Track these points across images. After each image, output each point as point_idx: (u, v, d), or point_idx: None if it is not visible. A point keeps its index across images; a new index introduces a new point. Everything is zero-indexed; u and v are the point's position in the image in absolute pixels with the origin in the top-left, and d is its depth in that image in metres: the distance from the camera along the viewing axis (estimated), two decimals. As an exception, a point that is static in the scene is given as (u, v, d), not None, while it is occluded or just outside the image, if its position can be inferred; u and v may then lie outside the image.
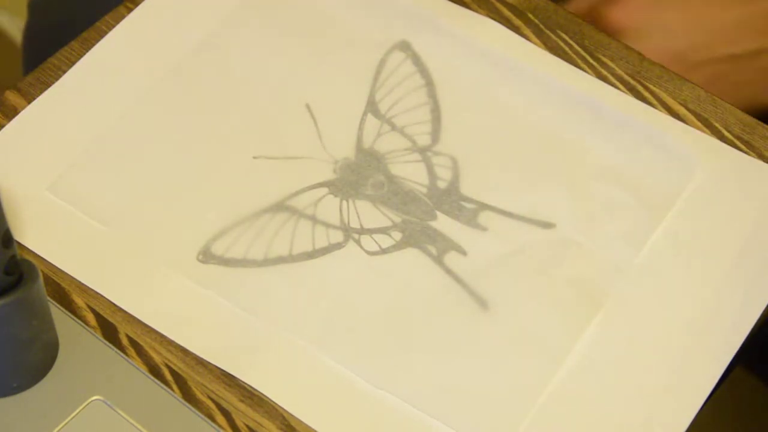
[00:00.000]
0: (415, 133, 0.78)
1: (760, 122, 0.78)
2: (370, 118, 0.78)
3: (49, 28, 0.87)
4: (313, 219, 0.74)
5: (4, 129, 0.77)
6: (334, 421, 0.68)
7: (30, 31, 1.01)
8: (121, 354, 0.68)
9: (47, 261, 0.72)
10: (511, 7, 0.82)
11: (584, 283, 0.72)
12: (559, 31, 0.81)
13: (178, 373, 0.69)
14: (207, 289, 0.71)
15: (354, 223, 0.74)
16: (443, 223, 0.74)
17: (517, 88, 0.79)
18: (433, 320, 0.71)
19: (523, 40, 0.81)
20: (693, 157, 0.76)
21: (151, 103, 0.78)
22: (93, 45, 0.80)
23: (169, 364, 0.69)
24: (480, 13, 0.82)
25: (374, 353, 0.70)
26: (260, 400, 0.68)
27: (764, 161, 0.76)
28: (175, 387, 0.68)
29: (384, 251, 0.73)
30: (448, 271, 0.73)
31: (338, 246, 0.73)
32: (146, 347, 0.70)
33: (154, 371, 0.69)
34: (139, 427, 0.66)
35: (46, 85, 0.78)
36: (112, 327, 0.70)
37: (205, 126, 0.78)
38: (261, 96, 0.79)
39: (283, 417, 0.68)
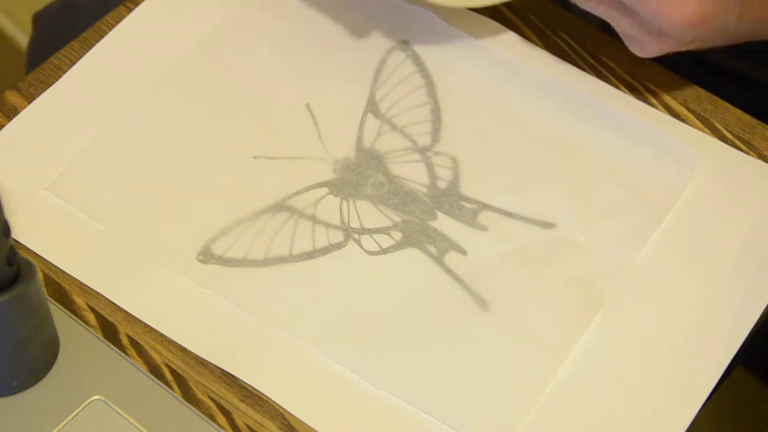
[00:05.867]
0: (415, 133, 0.78)
1: (760, 122, 0.78)
2: (370, 118, 0.78)
3: (53, 42, 0.87)
4: (313, 219, 0.74)
5: (4, 129, 0.77)
6: (334, 421, 0.68)
7: (35, 46, 1.01)
8: (122, 354, 0.68)
9: (47, 261, 0.72)
10: (511, 7, 0.82)
11: (584, 283, 0.72)
12: (559, 31, 0.81)
13: (179, 372, 0.69)
14: (207, 289, 0.71)
15: (354, 223, 0.74)
16: (443, 223, 0.74)
17: (517, 89, 0.79)
18: (433, 320, 0.71)
19: (523, 40, 0.81)
20: (693, 157, 0.76)
21: (150, 103, 0.78)
22: (93, 45, 0.80)
23: (170, 363, 0.69)
24: (480, 13, 0.82)
25: (374, 353, 0.70)
26: (260, 400, 0.68)
27: (764, 161, 0.76)
28: (175, 387, 0.68)
29: (384, 251, 0.73)
30: (448, 271, 0.73)
31: (338, 246, 0.73)
32: (146, 347, 0.70)
33: (155, 371, 0.69)
34: (140, 427, 0.66)
35: (46, 85, 0.78)
36: (112, 327, 0.70)
37: (205, 126, 0.78)
38: (261, 96, 0.79)
39: (283, 417, 0.68)
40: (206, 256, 0.73)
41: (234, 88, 0.79)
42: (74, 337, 0.68)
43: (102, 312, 0.71)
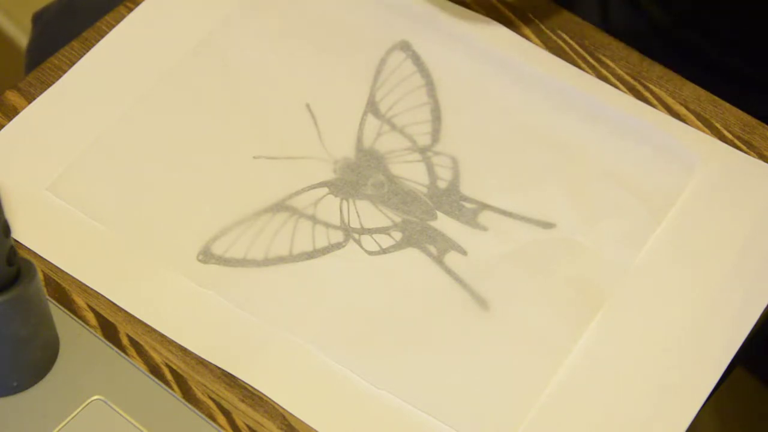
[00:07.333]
0: (415, 132, 0.78)
1: (760, 122, 0.78)
2: (370, 118, 0.78)
3: (53, 42, 0.87)
4: (313, 219, 0.74)
5: (4, 129, 0.77)
6: (334, 421, 0.68)
7: (35, 46, 1.01)
8: (122, 354, 0.68)
9: (47, 261, 0.72)
10: (511, 7, 0.82)
11: (584, 283, 0.72)
12: (559, 31, 0.81)
13: (179, 372, 0.69)
14: (207, 289, 0.71)
15: (354, 223, 0.74)
16: (443, 223, 0.74)
17: (517, 88, 0.79)
18: (433, 320, 0.71)
19: (523, 40, 0.81)
20: (693, 157, 0.76)
21: (150, 103, 0.78)
22: (93, 45, 0.80)
23: (170, 363, 0.69)
24: (480, 13, 0.82)
25: (374, 353, 0.70)
26: (260, 400, 0.68)
27: (764, 161, 0.76)
28: (175, 387, 0.68)
29: (384, 251, 0.73)
30: (448, 271, 0.73)
31: (338, 246, 0.73)
32: (146, 347, 0.70)
33: (155, 371, 0.69)
34: (140, 426, 0.66)
35: (46, 85, 0.78)
36: (112, 327, 0.70)
37: (205, 126, 0.78)
38: (261, 96, 0.79)
39: (283, 417, 0.68)
40: (206, 256, 0.73)
41: (234, 88, 0.79)
42: (74, 337, 0.68)
43: (102, 312, 0.71)
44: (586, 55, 0.80)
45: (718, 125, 0.78)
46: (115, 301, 0.71)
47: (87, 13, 0.88)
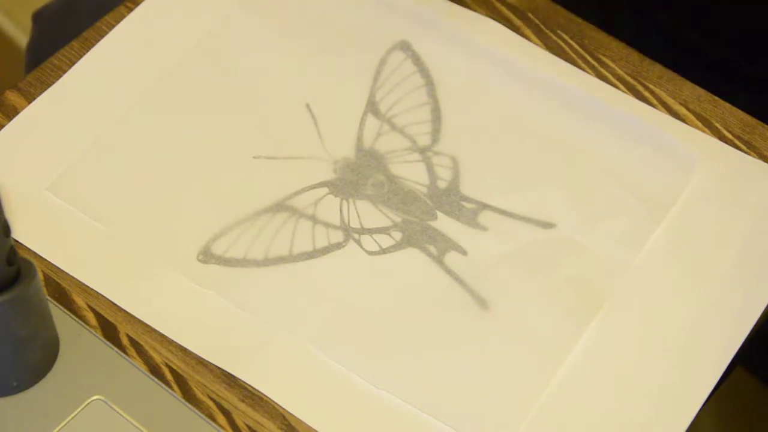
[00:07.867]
0: (415, 132, 0.78)
1: (760, 122, 0.78)
2: (370, 118, 0.78)
3: (53, 42, 0.87)
4: (313, 219, 0.74)
5: (4, 129, 0.77)
6: (334, 421, 0.68)
7: (35, 45, 1.01)
8: (122, 354, 0.68)
9: (47, 260, 0.72)
10: (511, 7, 0.82)
11: (584, 283, 0.72)
12: (559, 31, 0.81)
13: (179, 372, 0.69)
14: (207, 289, 0.71)
15: (354, 223, 0.74)
16: (443, 223, 0.74)
17: (517, 88, 0.79)
18: (433, 320, 0.71)
19: (523, 40, 0.81)
20: (693, 157, 0.76)
21: (150, 103, 0.78)
22: (93, 45, 0.80)
23: (170, 363, 0.69)
24: (480, 13, 0.82)
25: (374, 353, 0.70)
26: (260, 400, 0.68)
27: (764, 161, 0.76)
28: (175, 387, 0.68)
29: (384, 251, 0.73)
30: (448, 271, 0.73)
31: (338, 246, 0.73)
32: (146, 347, 0.70)
33: (155, 371, 0.69)
34: (140, 426, 0.66)
35: (46, 85, 0.78)
36: (112, 327, 0.70)
37: (205, 126, 0.78)
38: (261, 96, 0.79)
39: (283, 417, 0.68)
40: (206, 256, 0.73)
41: (234, 88, 0.79)
42: (74, 337, 0.68)
43: (102, 312, 0.71)
44: (586, 55, 0.80)
45: (718, 125, 0.78)
46: (115, 301, 0.71)
47: (87, 13, 0.88)
